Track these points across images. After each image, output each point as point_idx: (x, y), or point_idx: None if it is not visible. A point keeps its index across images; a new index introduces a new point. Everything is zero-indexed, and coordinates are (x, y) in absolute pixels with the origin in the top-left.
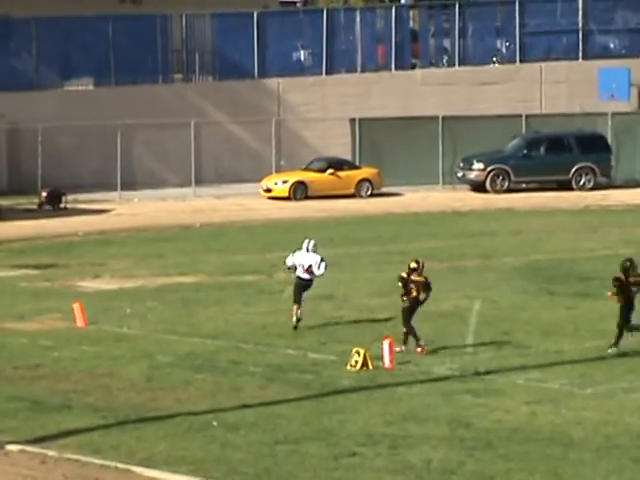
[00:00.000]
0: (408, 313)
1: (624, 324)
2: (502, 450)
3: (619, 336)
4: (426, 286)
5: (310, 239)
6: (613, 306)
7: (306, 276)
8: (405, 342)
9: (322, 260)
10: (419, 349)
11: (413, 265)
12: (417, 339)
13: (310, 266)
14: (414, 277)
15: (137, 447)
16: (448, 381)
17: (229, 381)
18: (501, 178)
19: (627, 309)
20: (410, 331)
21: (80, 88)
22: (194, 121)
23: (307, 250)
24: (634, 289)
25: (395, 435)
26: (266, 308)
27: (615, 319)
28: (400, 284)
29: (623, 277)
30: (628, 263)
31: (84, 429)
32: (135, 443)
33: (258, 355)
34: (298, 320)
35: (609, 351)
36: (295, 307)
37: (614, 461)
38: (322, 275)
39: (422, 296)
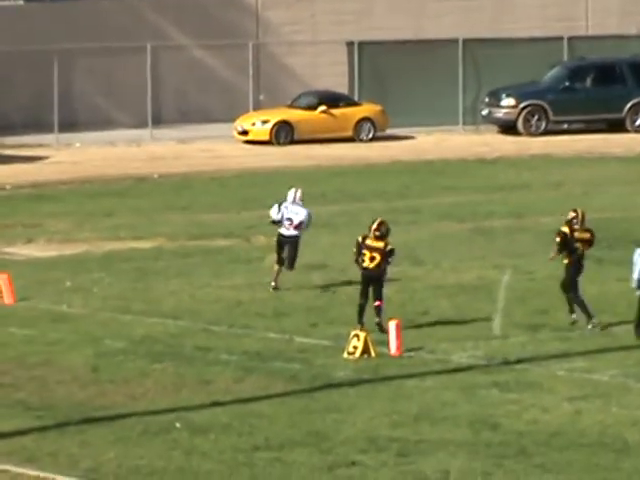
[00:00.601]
0: None
1: (567, 290)
2: (538, 458)
3: (570, 302)
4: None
5: (297, 188)
6: None
7: (292, 232)
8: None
9: (309, 216)
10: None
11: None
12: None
13: (301, 223)
14: (372, 243)
15: (80, 455)
16: (470, 372)
17: (196, 372)
18: (537, 117)
19: (574, 271)
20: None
21: (6, 3)
22: (151, 45)
23: (294, 201)
24: (579, 248)
25: (404, 439)
26: (242, 280)
27: None
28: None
29: (568, 231)
30: (573, 214)
31: (14, 432)
32: (78, 450)
33: (232, 340)
34: (275, 288)
35: (589, 327)
36: (277, 268)
37: None
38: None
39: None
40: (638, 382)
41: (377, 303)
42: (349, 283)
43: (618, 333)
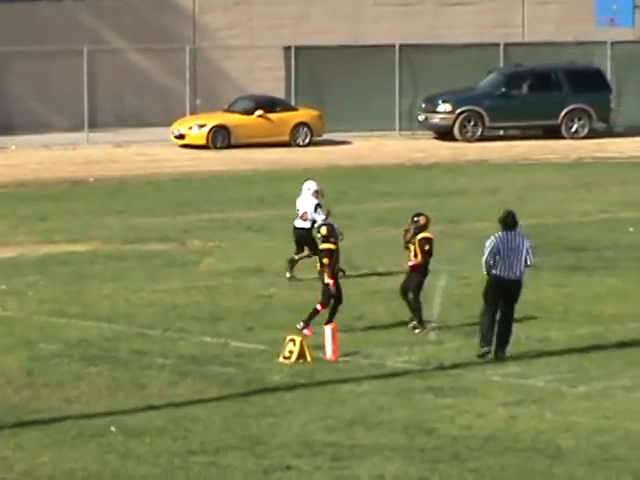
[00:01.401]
0: None
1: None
2: (472, 463)
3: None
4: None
5: (312, 180)
6: (611, 283)
7: (302, 224)
8: None
9: (318, 206)
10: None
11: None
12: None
13: (305, 213)
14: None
15: (14, 458)
16: (406, 377)
17: (131, 376)
18: (473, 123)
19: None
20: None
21: None
22: (87, 48)
23: (311, 193)
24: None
25: (339, 444)
26: (177, 284)
27: (619, 298)
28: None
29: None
30: (416, 219)
31: None
32: (12, 453)
33: (167, 343)
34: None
35: (416, 332)
36: (296, 258)
37: (612, 477)
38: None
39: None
40: (572, 388)
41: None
42: (285, 288)
43: (553, 339)
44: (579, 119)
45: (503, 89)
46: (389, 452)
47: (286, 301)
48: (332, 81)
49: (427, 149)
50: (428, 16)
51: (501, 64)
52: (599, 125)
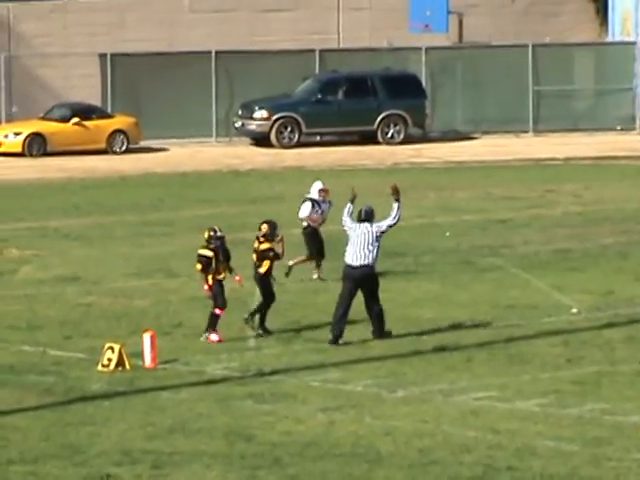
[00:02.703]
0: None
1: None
2: (292, 469)
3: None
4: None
5: (319, 180)
6: (428, 288)
7: (304, 224)
8: None
9: (303, 201)
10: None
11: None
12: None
13: (301, 213)
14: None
15: None
16: (225, 384)
17: None
18: (289, 129)
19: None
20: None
21: None
22: None
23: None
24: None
25: (159, 452)
26: None
27: (437, 303)
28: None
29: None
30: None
31: None
32: None
33: None
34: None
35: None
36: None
37: None
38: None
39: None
40: (391, 392)
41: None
42: (103, 296)
43: (371, 344)
44: (395, 125)
45: (319, 95)
46: (209, 459)
47: (105, 309)
48: (148, 88)
49: (244, 155)
50: (244, 22)
51: (317, 70)
52: (415, 131)
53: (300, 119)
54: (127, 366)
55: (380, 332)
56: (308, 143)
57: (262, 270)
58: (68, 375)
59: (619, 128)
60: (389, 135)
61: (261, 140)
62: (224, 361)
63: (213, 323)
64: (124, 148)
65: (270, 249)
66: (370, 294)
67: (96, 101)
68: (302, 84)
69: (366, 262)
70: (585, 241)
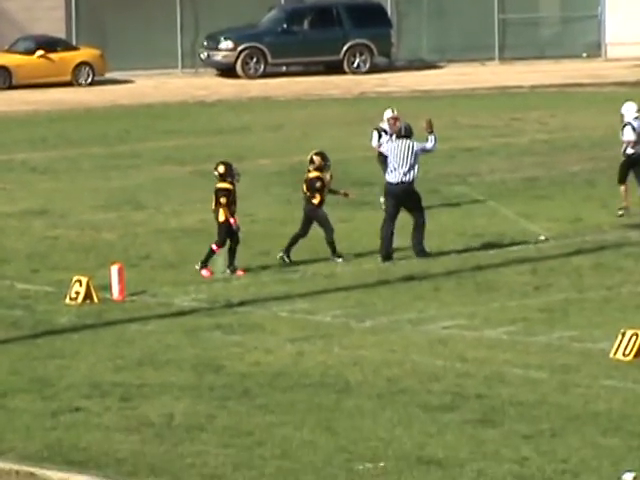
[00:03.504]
0: None
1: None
2: (261, 399)
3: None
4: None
5: (389, 109)
6: (399, 217)
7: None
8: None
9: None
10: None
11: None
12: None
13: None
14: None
15: None
16: (193, 315)
17: None
18: (255, 60)
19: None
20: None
21: None
22: None
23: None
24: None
25: (128, 384)
26: None
27: (404, 231)
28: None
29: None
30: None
31: None
32: None
33: None
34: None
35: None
36: None
37: (400, 409)
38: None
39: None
40: (359, 322)
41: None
42: (71, 229)
43: (340, 273)
44: (361, 54)
45: (284, 25)
46: (178, 391)
47: (72, 242)
48: (113, 20)
49: (210, 86)
50: None
51: (282, 1)
52: (381, 60)
53: (266, 49)
54: (95, 299)
55: (419, 246)
56: (274, 73)
57: (315, 201)
58: (36, 309)
59: (585, 55)
60: (355, 65)
61: (227, 71)
62: (192, 293)
63: (208, 258)
64: (89, 80)
65: (318, 178)
66: (412, 209)
67: (61, 33)
68: (267, 14)
69: (407, 178)
70: (552, 169)
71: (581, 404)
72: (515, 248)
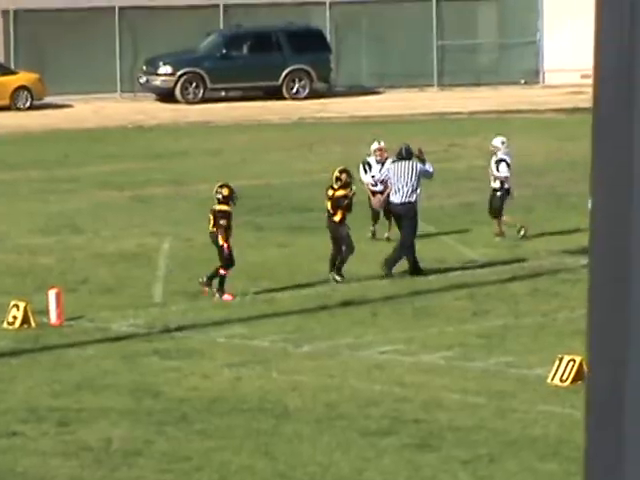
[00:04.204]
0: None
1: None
2: (199, 424)
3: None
4: None
5: (376, 141)
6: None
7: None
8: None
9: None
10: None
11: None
12: None
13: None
14: None
15: None
16: (131, 340)
17: None
18: (194, 85)
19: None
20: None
21: None
22: None
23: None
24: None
25: (66, 409)
26: None
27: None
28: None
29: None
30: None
31: None
32: None
33: None
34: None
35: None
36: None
37: (338, 434)
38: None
39: None
40: (297, 347)
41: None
42: (8, 252)
43: (279, 299)
44: (300, 80)
45: (223, 50)
46: (116, 416)
47: (10, 266)
48: (52, 44)
49: (148, 111)
50: None
51: (221, 25)
52: (320, 85)
53: (205, 74)
54: (33, 323)
55: (390, 263)
56: (213, 98)
57: (337, 218)
58: None
59: (523, 82)
60: (294, 90)
61: (166, 96)
62: (130, 318)
63: (221, 283)
64: (28, 104)
65: (345, 196)
66: (405, 225)
67: None
68: (206, 39)
69: (411, 199)
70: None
71: (519, 429)
72: (453, 273)
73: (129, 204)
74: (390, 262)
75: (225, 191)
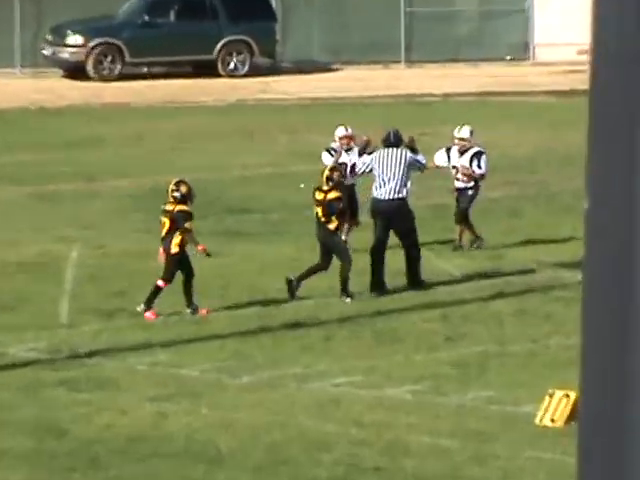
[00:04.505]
0: None
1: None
2: (114, 470)
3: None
4: None
5: (341, 126)
6: (279, 252)
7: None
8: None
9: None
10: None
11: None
12: None
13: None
14: None
15: None
16: (32, 368)
17: None
18: (110, 58)
19: None
20: None
21: None
22: None
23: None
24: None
25: None
26: None
27: (289, 269)
28: None
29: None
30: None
31: None
32: None
33: None
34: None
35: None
36: None
37: None
38: None
39: None
40: (234, 378)
41: None
42: None
43: (211, 320)
44: (238, 53)
45: (146, 17)
46: (13, 459)
47: None
48: None
49: (55, 89)
50: None
51: None
52: (262, 60)
53: (123, 46)
54: None
55: (416, 277)
56: (133, 75)
57: (331, 226)
58: None
59: (508, 58)
60: (231, 66)
61: (75, 71)
62: (30, 341)
63: (152, 298)
64: None
65: (339, 199)
66: (404, 233)
67: None
68: (125, 3)
69: (400, 194)
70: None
71: (500, 478)
72: (422, 291)
73: (30, 203)
74: (415, 277)
75: (184, 188)
